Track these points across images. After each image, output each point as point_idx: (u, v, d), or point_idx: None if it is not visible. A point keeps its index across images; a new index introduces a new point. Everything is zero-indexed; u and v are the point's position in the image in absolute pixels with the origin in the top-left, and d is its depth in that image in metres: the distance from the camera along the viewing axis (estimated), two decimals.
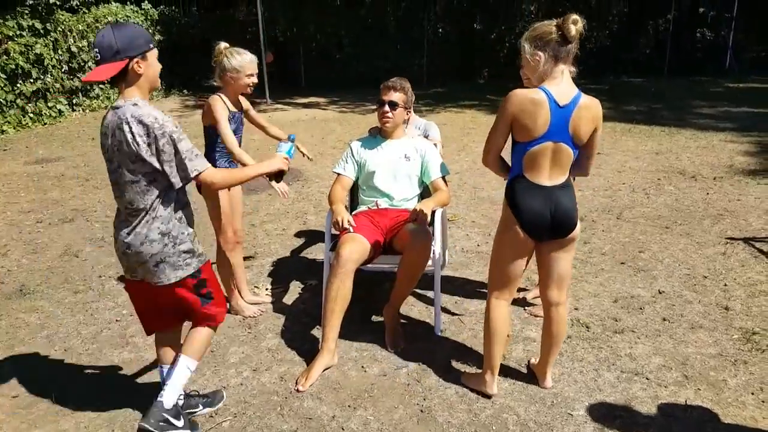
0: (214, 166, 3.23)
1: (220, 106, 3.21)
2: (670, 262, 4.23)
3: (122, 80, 2.17)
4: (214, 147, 3.30)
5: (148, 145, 2.13)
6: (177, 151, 2.16)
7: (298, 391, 2.80)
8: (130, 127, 2.12)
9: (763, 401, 2.70)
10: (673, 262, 4.21)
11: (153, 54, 2.22)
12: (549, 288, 2.66)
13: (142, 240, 2.21)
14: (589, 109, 2.43)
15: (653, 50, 17.02)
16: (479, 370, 2.86)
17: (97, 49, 2.11)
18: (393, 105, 3.35)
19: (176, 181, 2.20)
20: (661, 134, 8.71)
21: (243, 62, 3.24)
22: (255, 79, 3.32)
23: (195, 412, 2.62)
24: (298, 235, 4.95)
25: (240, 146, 3.26)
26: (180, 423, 2.38)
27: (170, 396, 2.37)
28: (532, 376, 2.89)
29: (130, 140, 2.12)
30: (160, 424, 2.32)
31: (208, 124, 3.25)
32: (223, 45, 3.28)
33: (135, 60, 2.15)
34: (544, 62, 2.40)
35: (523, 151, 2.46)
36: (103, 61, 2.13)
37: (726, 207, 5.40)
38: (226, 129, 3.17)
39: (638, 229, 4.89)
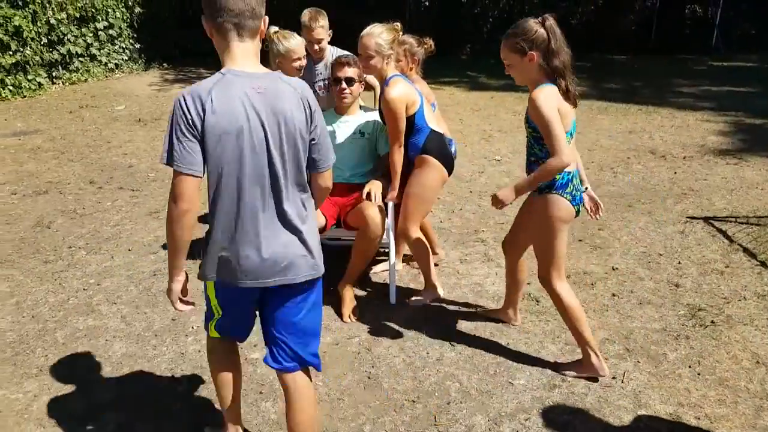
0: None
1: None
2: (627, 239, 4.34)
3: None
4: None
5: None
6: None
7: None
8: None
9: (698, 374, 2.82)
10: (631, 240, 4.33)
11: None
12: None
13: None
14: None
15: (639, 27, 16.87)
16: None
17: None
18: (350, 81, 3.39)
19: None
20: (637, 113, 8.76)
21: (288, 47, 3.39)
22: (303, 62, 3.46)
23: None
24: None
25: None
26: None
27: None
28: (479, 346, 3.01)
29: None
30: None
31: None
32: (273, 29, 3.37)
33: None
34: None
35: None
36: None
37: (691, 186, 5.50)
38: None
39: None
